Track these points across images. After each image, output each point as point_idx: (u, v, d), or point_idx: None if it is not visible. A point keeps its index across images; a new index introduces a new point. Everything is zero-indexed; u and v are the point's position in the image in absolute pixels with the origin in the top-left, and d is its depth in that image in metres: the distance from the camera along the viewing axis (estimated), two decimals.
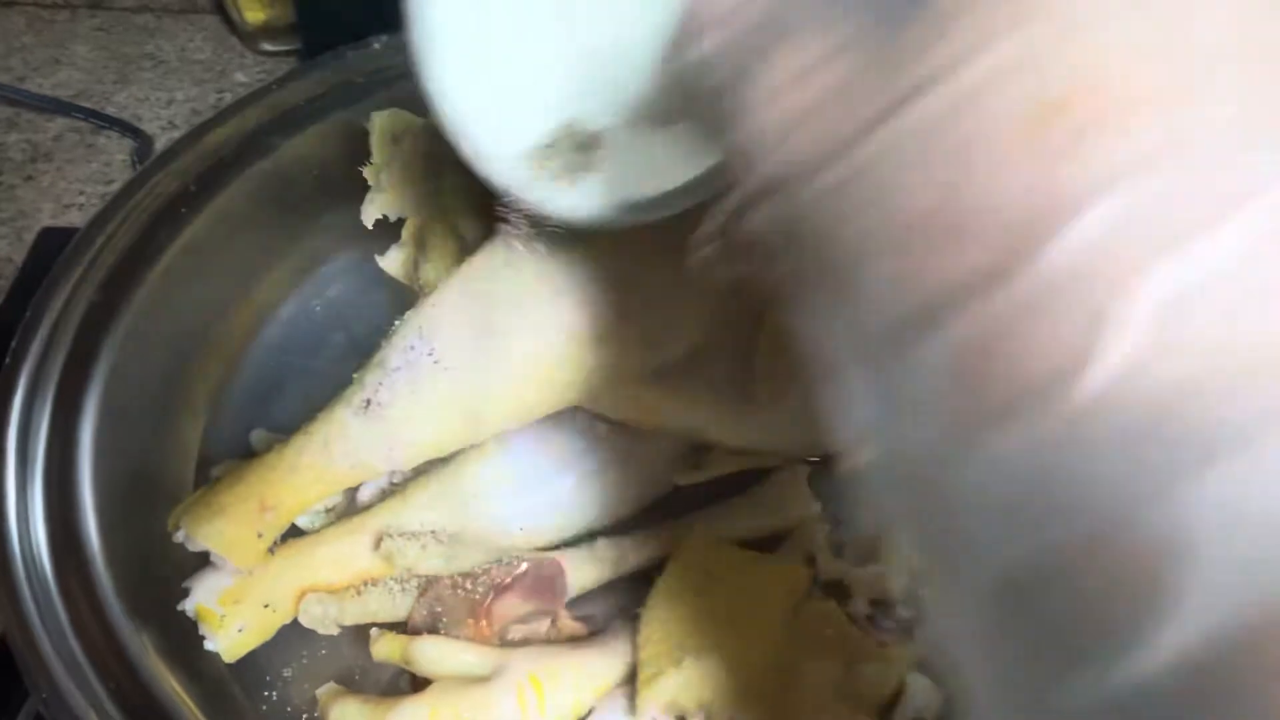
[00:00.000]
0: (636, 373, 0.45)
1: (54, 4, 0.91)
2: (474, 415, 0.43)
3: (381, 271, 0.58)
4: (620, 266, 0.43)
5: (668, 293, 0.44)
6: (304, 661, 0.48)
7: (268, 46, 0.88)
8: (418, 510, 0.49)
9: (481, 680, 0.42)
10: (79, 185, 0.77)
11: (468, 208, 0.50)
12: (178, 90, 0.85)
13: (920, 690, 0.46)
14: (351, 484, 0.45)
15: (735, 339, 0.48)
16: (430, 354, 0.43)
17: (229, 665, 0.46)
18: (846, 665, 0.44)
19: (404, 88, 0.63)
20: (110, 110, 0.82)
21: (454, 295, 0.43)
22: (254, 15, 0.87)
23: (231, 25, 0.89)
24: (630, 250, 0.43)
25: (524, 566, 0.46)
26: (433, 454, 0.44)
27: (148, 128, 0.81)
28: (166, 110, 0.84)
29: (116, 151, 0.80)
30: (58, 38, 0.88)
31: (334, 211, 0.62)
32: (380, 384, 0.43)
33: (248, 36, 0.88)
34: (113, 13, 0.91)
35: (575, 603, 0.51)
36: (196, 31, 0.91)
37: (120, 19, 0.91)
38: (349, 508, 0.51)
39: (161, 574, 0.47)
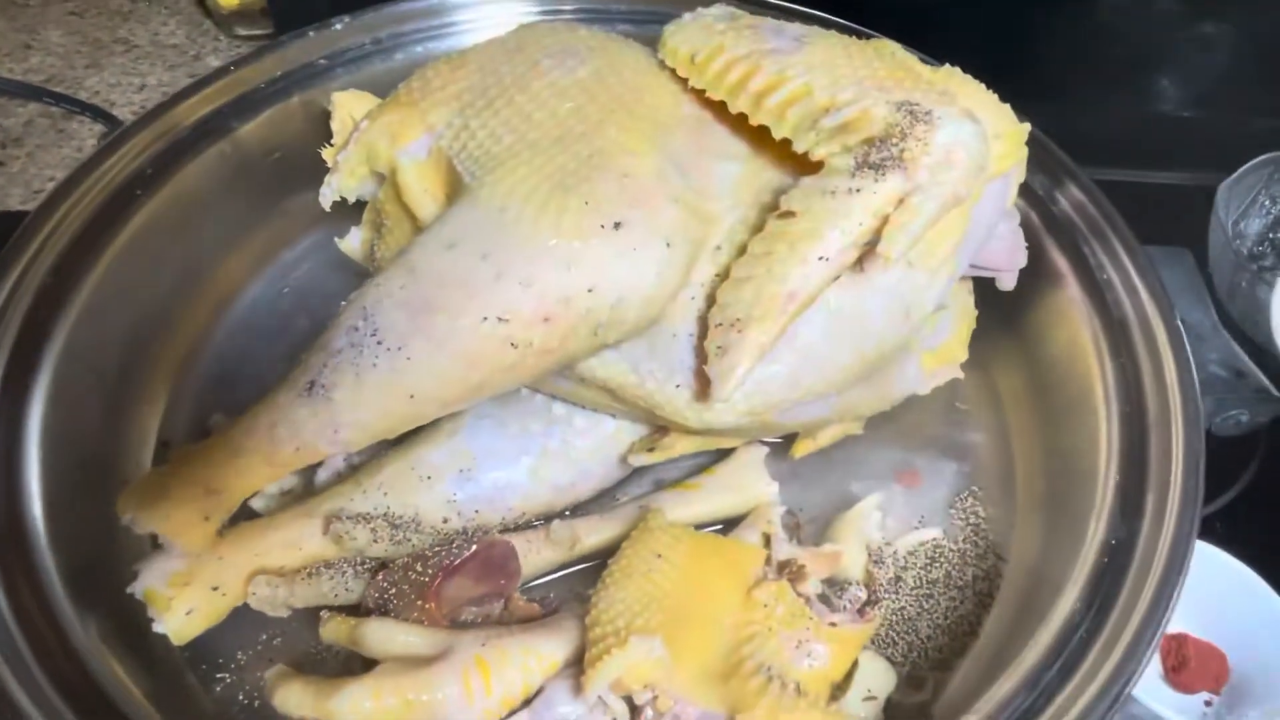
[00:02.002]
0: (586, 352, 0.45)
1: None
2: (419, 396, 0.42)
3: (346, 255, 0.57)
4: None
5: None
6: (259, 647, 0.48)
7: (241, 30, 0.88)
8: (370, 493, 0.49)
9: (428, 661, 0.42)
10: (50, 171, 0.77)
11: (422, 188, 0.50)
12: (150, 75, 0.85)
13: (872, 669, 0.46)
14: (297, 467, 0.45)
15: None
16: (374, 334, 0.42)
17: (183, 652, 0.46)
18: (799, 644, 0.44)
19: (366, 69, 0.63)
20: (82, 95, 0.82)
21: (397, 274, 0.43)
22: (227, 0, 0.86)
23: (205, 9, 0.89)
24: None
25: (474, 548, 0.46)
26: (379, 436, 0.44)
27: (119, 113, 0.81)
28: (139, 95, 0.83)
29: (88, 136, 0.79)
30: (30, 23, 0.88)
31: (296, 195, 0.61)
32: (324, 366, 0.43)
33: (221, 21, 0.88)
34: None
35: (533, 588, 0.51)
36: (170, 16, 0.90)
37: (94, 3, 0.90)
38: (305, 490, 0.51)
39: (113, 559, 0.47)
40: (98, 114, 0.80)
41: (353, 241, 0.57)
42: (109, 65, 0.85)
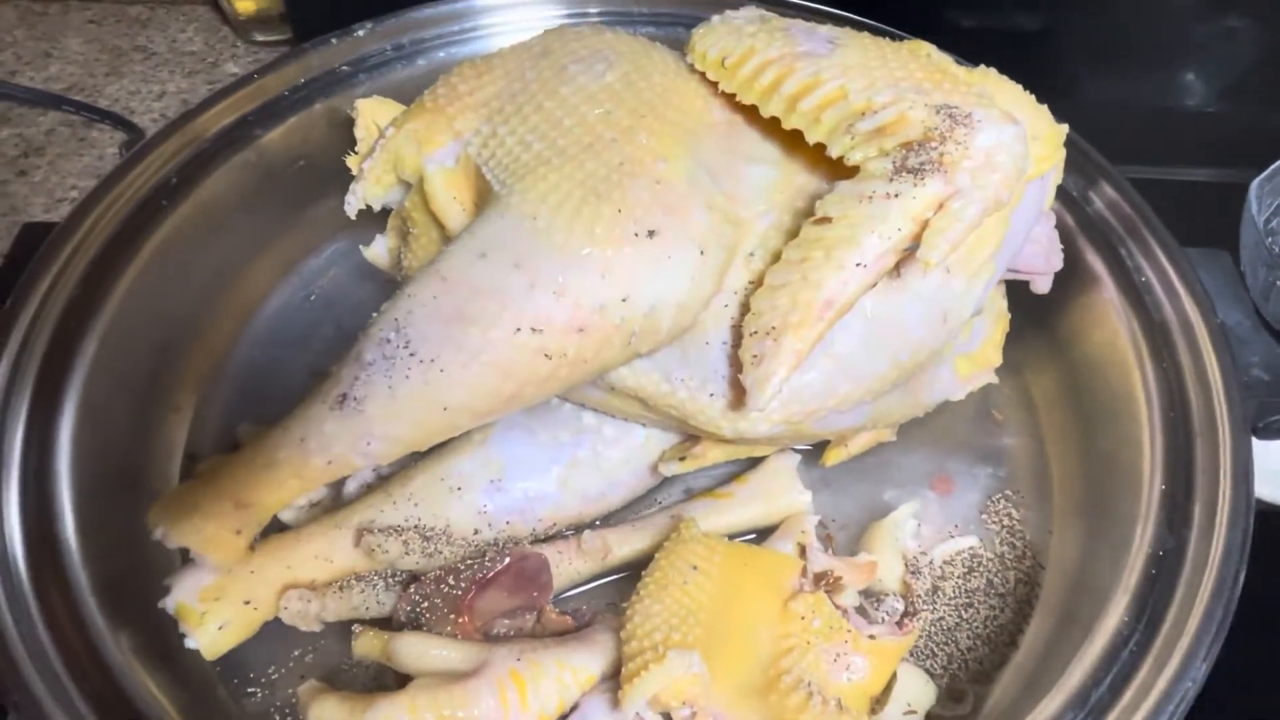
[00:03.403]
0: (620, 361, 0.44)
1: None
2: (452, 408, 0.42)
3: (372, 263, 0.57)
4: None
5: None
6: (291, 662, 0.48)
7: (259, 37, 0.88)
8: (401, 505, 0.48)
9: (462, 676, 0.41)
10: (72, 180, 0.77)
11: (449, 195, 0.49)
12: (169, 82, 0.85)
13: (912, 682, 0.45)
14: (329, 480, 0.44)
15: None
16: (406, 346, 0.42)
17: (215, 666, 0.46)
18: (837, 658, 0.43)
19: (389, 75, 0.63)
20: (102, 103, 0.82)
21: (429, 284, 0.42)
22: (245, 5, 0.86)
23: (223, 16, 0.89)
24: None
25: (506, 561, 0.45)
26: (411, 448, 0.44)
27: (139, 120, 0.80)
28: (159, 102, 0.83)
29: (109, 145, 0.79)
30: (49, 31, 0.88)
31: (321, 202, 0.61)
32: (356, 378, 0.42)
33: (240, 27, 0.88)
34: (105, 5, 0.90)
35: (565, 599, 0.50)
36: (189, 23, 0.90)
37: (113, 11, 0.90)
38: (334, 502, 0.50)
39: (144, 573, 0.46)
40: (118, 122, 0.79)
41: (378, 249, 0.56)
42: (128, 73, 0.85)
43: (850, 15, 0.61)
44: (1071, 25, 0.79)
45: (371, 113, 0.57)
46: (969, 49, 0.52)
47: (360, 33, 0.62)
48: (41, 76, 0.84)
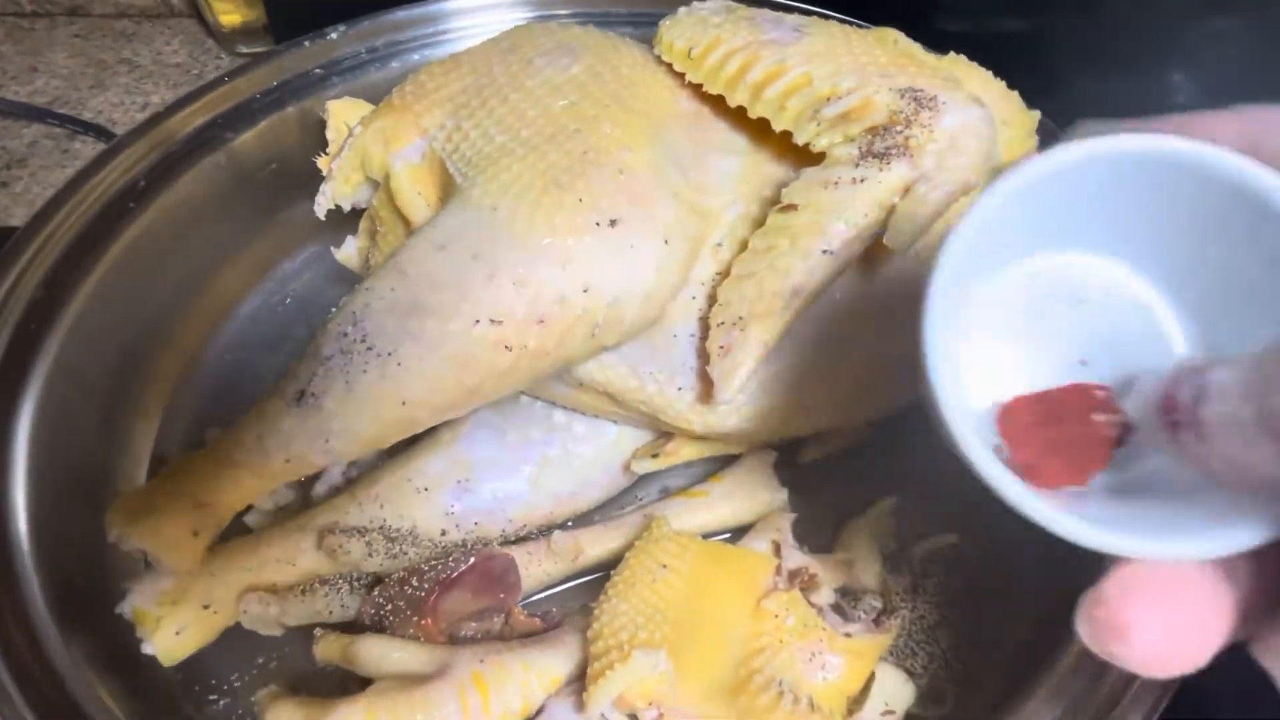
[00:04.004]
0: (584, 354, 0.43)
1: (33, 12, 0.91)
2: (411, 402, 0.41)
3: (346, 266, 0.56)
4: None
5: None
6: (255, 670, 0.46)
7: (244, 49, 0.88)
8: (366, 507, 0.47)
9: (424, 679, 0.40)
10: (53, 190, 0.76)
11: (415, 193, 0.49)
12: (154, 94, 0.85)
13: (890, 682, 0.43)
14: (289, 479, 0.43)
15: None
16: (364, 339, 0.41)
17: (175, 674, 0.45)
18: (812, 657, 0.42)
19: (362, 77, 0.62)
20: (85, 115, 0.82)
21: (387, 277, 0.42)
22: (229, 18, 0.86)
23: (208, 29, 0.89)
24: None
25: (471, 561, 0.44)
26: (372, 445, 0.43)
27: (121, 131, 0.80)
28: (141, 114, 0.83)
29: (91, 156, 0.79)
30: (36, 46, 0.88)
31: (294, 205, 0.61)
32: (314, 374, 0.41)
33: (224, 39, 0.88)
34: (91, 19, 0.91)
35: (535, 602, 0.49)
36: (173, 36, 0.90)
37: (98, 25, 0.91)
38: (301, 507, 0.49)
39: (106, 579, 0.46)
40: (101, 133, 0.80)
41: (349, 250, 0.56)
42: (113, 85, 0.85)
43: (817, 9, 0.60)
44: (1059, 27, 0.78)
45: (343, 114, 0.56)
46: (950, 45, 0.51)
47: (333, 35, 0.62)
48: (26, 90, 0.84)
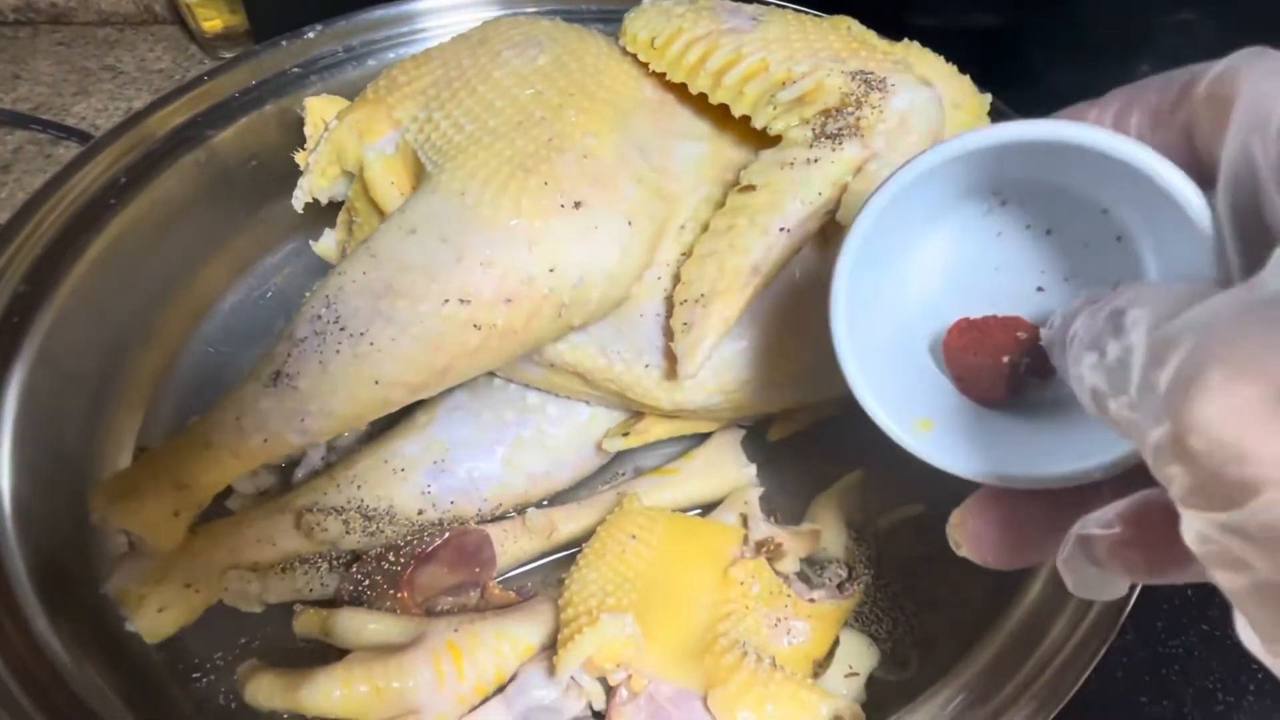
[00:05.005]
0: (552, 334, 0.45)
1: (16, 21, 0.92)
2: (384, 381, 0.42)
3: (326, 260, 0.58)
4: None
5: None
6: (238, 648, 0.48)
7: (226, 54, 0.89)
8: (344, 487, 0.48)
9: (399, 649, 0.42)
10: None
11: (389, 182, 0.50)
12: (136, 99, 0.86)
13: (854, 646, 0.45)
14: (267, 458, 0.44)
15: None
16: (337, 321, 0.42)
17: (160, 653, 0.46)
18: (777, 622, 0.43)
19: (339, 75, 0.64)
20: (69, 121, 0.83)
21: (359, 261, 0.43)
22: (211, 24, 0.88)
23: (191, 34, 0.90)
24: None
25: (446, 536, 0.45)
26: (348, 424, 0.44)
27: None
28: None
29: None
30: (19, 54, 0.89)
31: (274, 202, 0.62)
32: (289, 355, 0.43)
33: (206, 44, 0.89)
34: (74, 27, 0.92)
35: (511, 578, 0.50)
36: (157, 42, 0.92)
37: (82, 33, 0.92)
38: (282, 490, 0.51)
39: (88, 562, 0.47)
40: (85, 139, 0.81)
41: (327, 243, 0.57)
42: (96, 91, 0.86)
43: (780, 2, 0.62)
44: (1029, 21, 0.80)
45: (320, 110, 0.58)
46: (921, 40, 0.53)
47: (310, 35, 0.63)
48: (10, 97, 0.85)
